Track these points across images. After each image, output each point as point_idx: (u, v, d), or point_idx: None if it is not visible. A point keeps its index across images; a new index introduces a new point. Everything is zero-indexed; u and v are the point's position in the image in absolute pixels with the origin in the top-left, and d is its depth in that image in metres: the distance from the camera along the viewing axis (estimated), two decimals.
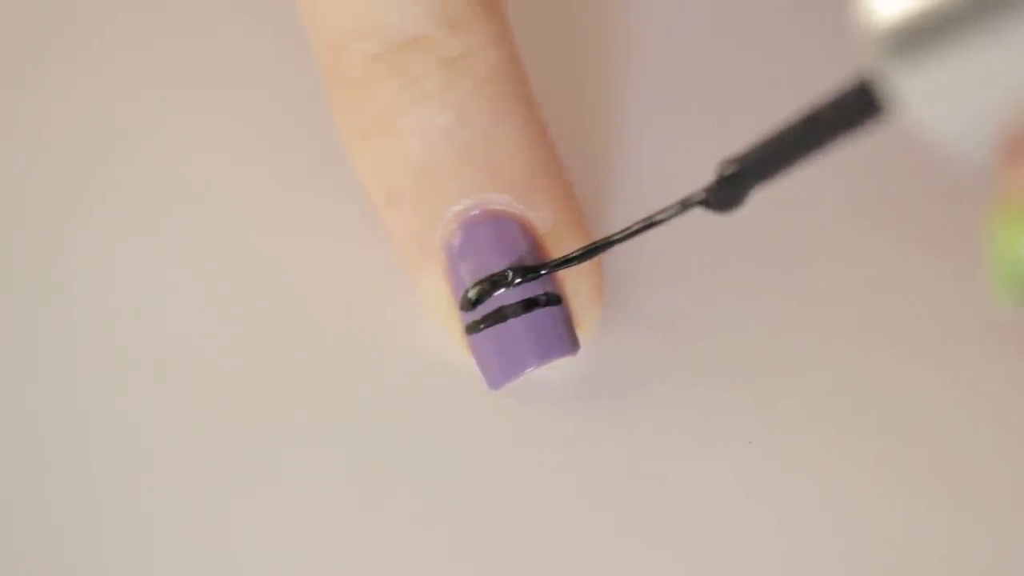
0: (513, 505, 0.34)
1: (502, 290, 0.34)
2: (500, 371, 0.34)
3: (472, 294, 0.34)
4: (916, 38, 0.24)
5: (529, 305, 0.34)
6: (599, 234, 0.35)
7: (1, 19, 0.40)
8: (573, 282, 0.34)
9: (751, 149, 0.29)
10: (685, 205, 0.31)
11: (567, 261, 0.33)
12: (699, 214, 0.31)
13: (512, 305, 0.34)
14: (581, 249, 0.33)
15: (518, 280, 0.34)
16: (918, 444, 0.35)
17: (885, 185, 0.37)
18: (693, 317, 0.36)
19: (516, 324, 0.34)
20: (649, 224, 0.32)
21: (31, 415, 0.36)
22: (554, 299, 0.34)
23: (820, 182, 0.36)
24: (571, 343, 0.34)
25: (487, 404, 0.35)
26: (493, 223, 0.34)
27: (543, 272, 0.34)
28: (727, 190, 0.30)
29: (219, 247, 0.37)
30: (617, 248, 0.33)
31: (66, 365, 0.36)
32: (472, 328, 0.34)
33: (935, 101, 0.24)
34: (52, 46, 0.39)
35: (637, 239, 0.33)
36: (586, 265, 0.34)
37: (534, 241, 0.34)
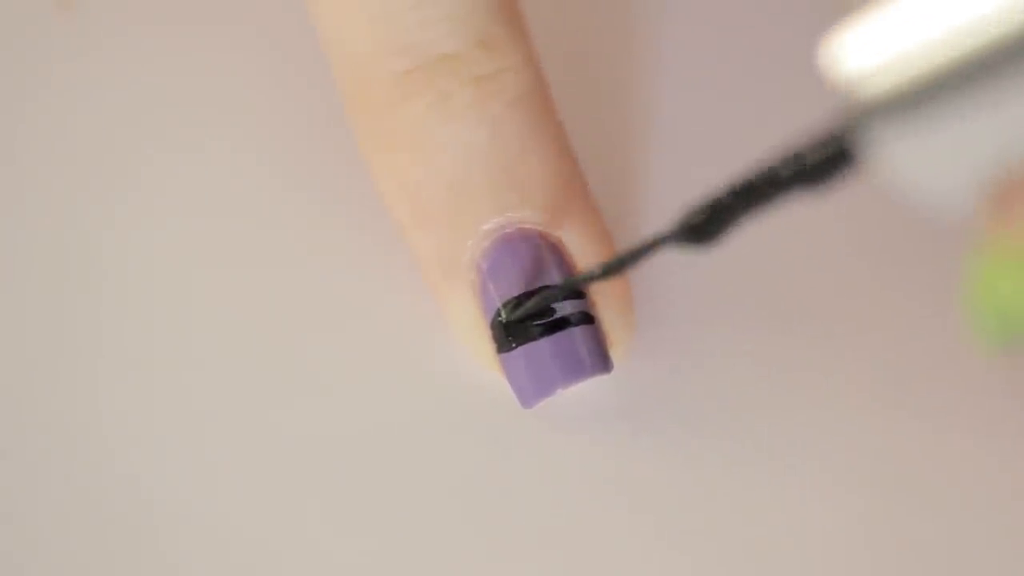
0: (539, 527, 0.34)
1: (535, 309, 0.33)
2: (532, 390, 0.34)
3: (504, 313, 0.34)
4: (903, 102, 0.24)
5: (561, 324, 0.33)
6: None
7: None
8: (604, 303, 0.34)
9: (713, 198, 0.29)
10: (656, 245, 0.30)
11: (592, 276, 0.33)
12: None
13: (544, 324, 0.33)
14: (589, 273, 0.33)
15: (551, 299, 0.33)
16: (936, 466, 0.35)
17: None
18: (720, 342, 0.36)
19: (547, 343, 0.33)
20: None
21: (40, 416, 0.36)
22: (586, 318, 0.34)
23: (849, 210, 0.37)
24: (603, 362, 0.34)
25: (513, 427, 0.35)
26: (525, 242, 0.34)
27: (573, 288, 0.33)
28: (694, 236, 0.29)
29: (237, 266, 0.37)
30: (645, 274, 0.33)
31: (76, 366, 0.36)
32: (503, 347, 0.34)
33: (916, 159, 0.24)
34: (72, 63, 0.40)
35: (667, 266, 0.32)
36: (616, 286, 0.34)
37: (565, 262, 0.34)
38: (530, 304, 0.33)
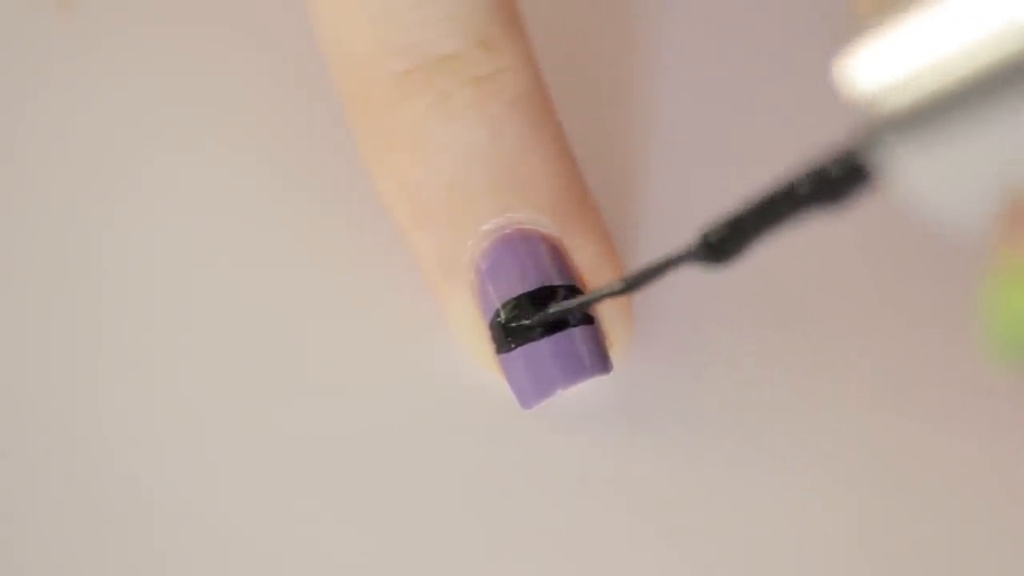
0: (538, 527, 0.34)
1: (534, 309, 0.33)
2: (532, 391, 0.34)
3: (504, 314, 0.34)
4: (912, 117, 0.24)
5: (560, 324, 0.33)
6: (623, 257, 0.35)
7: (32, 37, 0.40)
8: (603, 303, 0.34)
9: (730, 216, 0.29)
10: (675, 262, 0.31)
11: (610, 292, 0.33)
12: None
13: (543, 325, 0.33)
14: (608, 289, 0.33)
15: (550, 301, 0.33)
16: (937, 468, 0.35)
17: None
18: (720, 342, 0.36)
19: (547, 344, 0.33)
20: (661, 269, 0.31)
21: (42, 417, 0.36)
22: (585, 318, 0.34)
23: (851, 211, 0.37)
24: (603, 363, 0.34)
25: (513, 427, 0.35)
26: (525, 242, 0.34)
27: (576, 302, 0.33)
28: (712, 253, 0.29)
29: (236, 268, 0.37)
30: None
31: (76, 367, 0.36)
32: (502, 348, 0.34)
33: (930, 176, 0.24)
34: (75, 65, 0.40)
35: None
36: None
37: (565, 262, 0.34)
38: (539, 317, 0.33)
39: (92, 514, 0.34)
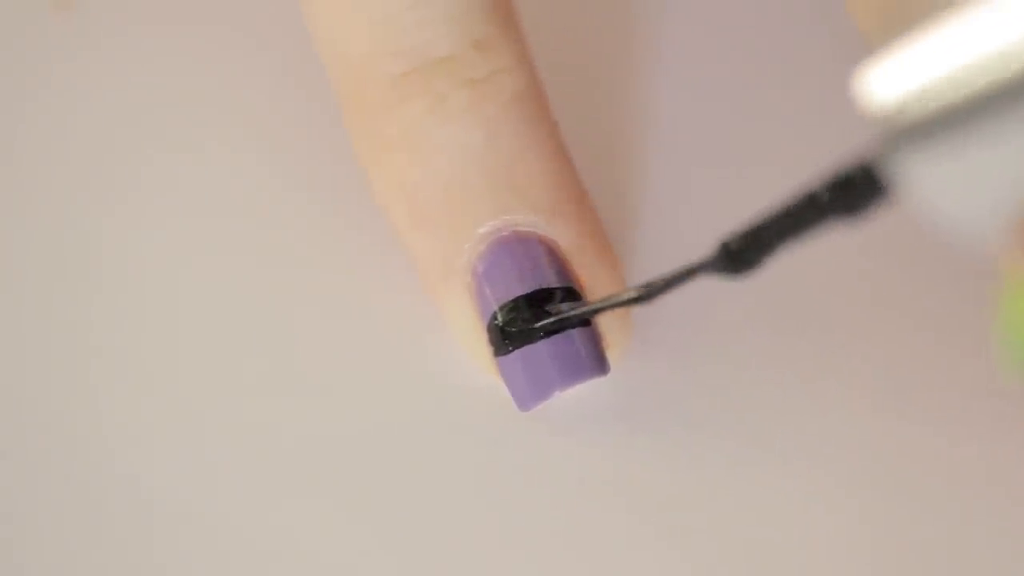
0: (537, 529, 0.34)
1: (531, 312, 0.33)
2: (529, 393, 0.34)
3: (501, 316, 0.34)
4: (929, 128, 0.24)
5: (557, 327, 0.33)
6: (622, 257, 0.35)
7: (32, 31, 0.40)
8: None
9: (750, 227, 0.29)
10: (694, 272, 0.31)
11: (627, 300, 0.33)
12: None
13: (548, 330, 0.33)
14: (624, 296, 0.33)
15: (548, 303, 0.33)
16: (938, 470, 0.35)
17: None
18: (721, 344, 0.36)
19: (544, 346, 0.33)
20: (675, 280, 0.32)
21: (39, 416, 0.36)
22: (582, 320, 0.33)
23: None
24: (600, 365, 0.34)
25: (511, 428, 0.35)
26: (521, 245, 0.34)
27: (589, 308, 0.33)
28: (732, 263, 0.29)
29: (234, 267, 0.37)
30: (641, 276, 0.33)
31: (76, 366, 0.36)
32: (500, 350, 0.34)
33: (945, 188, 0.24)
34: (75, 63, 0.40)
35: (662, 268, 0.33)
36: (613, 288, 0.34)
37: (561, 264, 0.34)
38: (545, 323, 0.33)
39: (92, 514, 0.34)
